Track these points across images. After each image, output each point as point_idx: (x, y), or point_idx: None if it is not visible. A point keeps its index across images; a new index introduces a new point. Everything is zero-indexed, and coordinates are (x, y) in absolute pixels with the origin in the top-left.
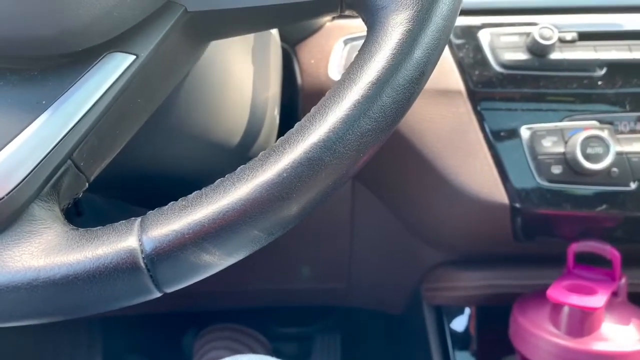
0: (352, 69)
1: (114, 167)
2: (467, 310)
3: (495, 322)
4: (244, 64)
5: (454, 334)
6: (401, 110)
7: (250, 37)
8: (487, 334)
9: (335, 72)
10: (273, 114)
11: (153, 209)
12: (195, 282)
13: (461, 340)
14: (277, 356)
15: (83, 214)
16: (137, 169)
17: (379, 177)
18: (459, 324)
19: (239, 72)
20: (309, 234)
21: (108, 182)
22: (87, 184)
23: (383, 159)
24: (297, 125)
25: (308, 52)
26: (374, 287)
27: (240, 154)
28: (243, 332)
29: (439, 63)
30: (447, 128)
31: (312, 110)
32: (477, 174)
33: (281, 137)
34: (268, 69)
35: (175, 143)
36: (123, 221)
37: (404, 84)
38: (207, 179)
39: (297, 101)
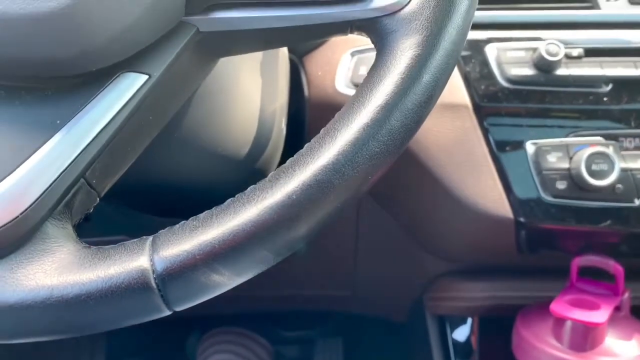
0: (361, 92)
1: (123, 178)
2: (470, 321)
3: (497, 334)
4: (253, 76)
5: (456, 344)
6: (409, 133)
7: None
8: (489, 345)
9: (342, 84)
10: (280, 125)
11: (161, 216)
12: None
13: (463, 351)
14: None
15: (91, 220)
16: (146, 180)
17: (384, 189)
18: (462, 334)
19: (248, 84)
20: (314, 241)
21: (118, 193)
22: (98, 200)
23: (388, 171)
24: (306, 146)
25: (315, 64)
26: (378, 294)
27: (248, 165)
28: (246, 335)
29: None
30: (453, 142)
31: (322, 131)
32: (482, 187)
33: (290, 158)
34: (276, 81)
35: (184, 154)
36: (135, 240)
37: (413, 108)
38: (215, 188)
39: (304, 113)
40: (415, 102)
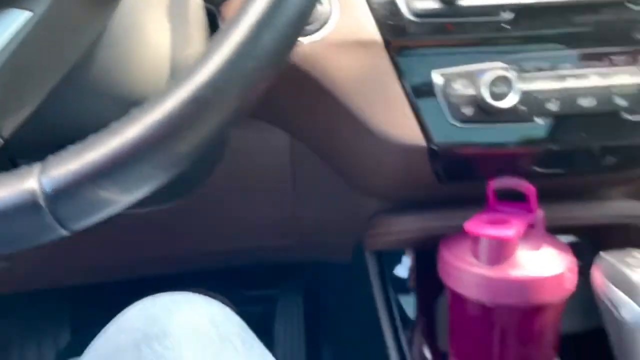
0: (238, 12)
1: (32, 128)
2: (406, 253)
3: (432, 265)
4: (160, 22)
5: (394, 277)
6: (282, 49)
7: None
8: (424, 274)
9: None
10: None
11: None
12: (150, 246)
13: (401, 283)
14: (243, 318)
15: None
16: (57, 130)
17: (309, 131)
18: (399, 267)
19: (155, 31)
20: (253, 193)
21: (30, 144)
22: (1, 140)
23: (309, 111)
24: (186, 70)
25: (233, 10)
26: (322, 239)
27: None
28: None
29: (355, 15)
30: (365, 77)
31: (201, 54)
32: (396, 119)
33: (171, 80)
34: (187, 27)
35: (93, 103)
36: (25, 165)
37: (284, 24)
38: None
39: None
40: (285, 19)
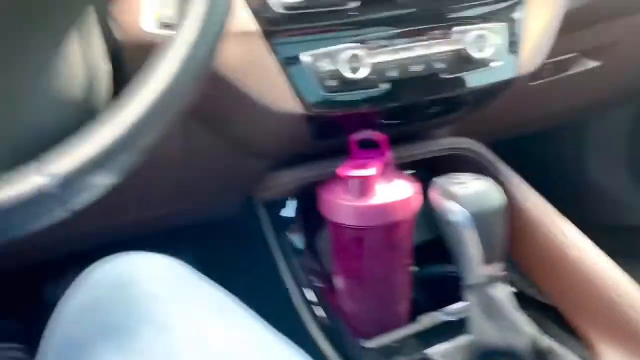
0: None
1: None
2: (291, 201)
3: (312, 205)
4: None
5: (283, 220)
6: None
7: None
8: (307, 215)
9: (147, 24)
10: (99, 69)
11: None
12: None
13: (289, 224)
14: None
15: None
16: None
17: (205, 110)
18: (286, 212)
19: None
20: (145, 166)
21: None
22: None
23: (207, 95)
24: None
25: (120, 8)
26: (217, 201)
27: (81, 107)
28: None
29: (236, 10)
30: (251, 62)
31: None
32: (278, 94)
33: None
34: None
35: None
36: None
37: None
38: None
39: (122, 54)
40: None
